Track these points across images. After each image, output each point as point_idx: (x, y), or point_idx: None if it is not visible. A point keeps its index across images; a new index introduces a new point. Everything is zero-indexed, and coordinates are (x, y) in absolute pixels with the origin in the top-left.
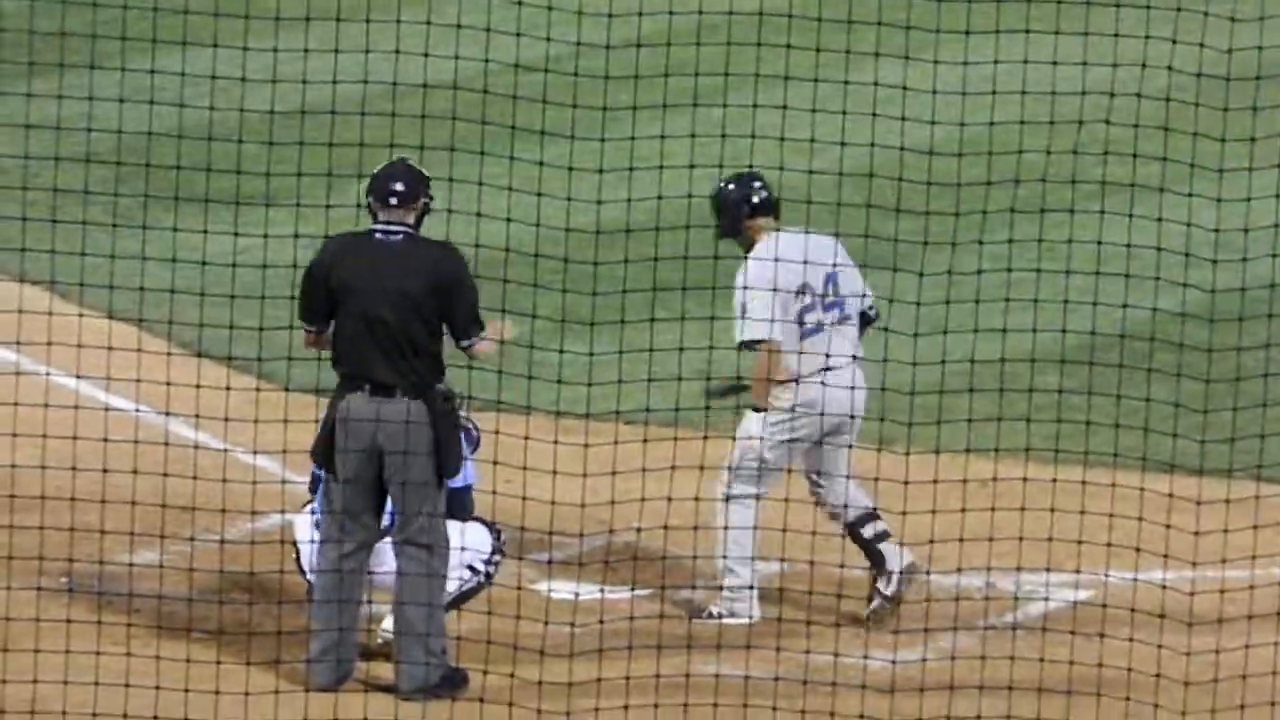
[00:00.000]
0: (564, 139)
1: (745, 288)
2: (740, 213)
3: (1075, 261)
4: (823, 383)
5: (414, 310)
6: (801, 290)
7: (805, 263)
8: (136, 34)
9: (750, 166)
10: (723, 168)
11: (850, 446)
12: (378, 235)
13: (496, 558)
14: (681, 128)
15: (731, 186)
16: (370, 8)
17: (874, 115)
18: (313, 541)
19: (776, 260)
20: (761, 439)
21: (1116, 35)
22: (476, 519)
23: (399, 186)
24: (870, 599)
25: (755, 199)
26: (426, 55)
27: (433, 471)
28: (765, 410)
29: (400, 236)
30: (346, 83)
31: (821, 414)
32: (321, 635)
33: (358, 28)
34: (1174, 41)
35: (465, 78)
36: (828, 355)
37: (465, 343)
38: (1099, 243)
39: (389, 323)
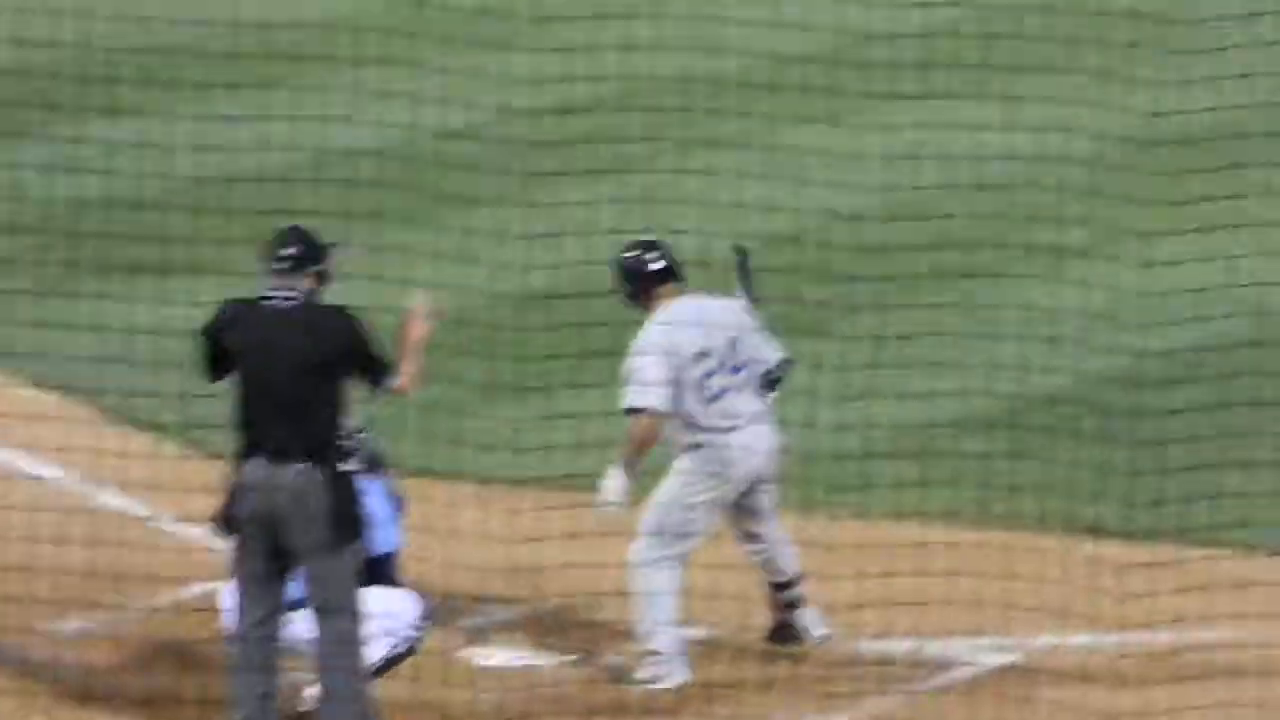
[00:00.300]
0: (490, 205)
1: (636, 354)
2: (638, 281)
3: (1001, 325)
4: (728, 444)
5: (308, 374)
6: (702, 354)
7: (705, 327)
8: (62, 102)
9: (674, 232)
10: (651, 232)
11: (770, 505)
12: (270, 301)
13: (423, 623)
14: (607, 193)
15: (629, 254)
16: (299, 74)
17: (801, 181)
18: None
19: (672, 324)
20: (675, 501)
21: (1043, 99)
22: (402, 585)
23: (287, 251)
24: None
25: (652, 267)
26: (351, 121)
27: (332, 536)
28: (629, 479)
29: (293, 303)
30: (273, 150)
31: (732, 467)
32: (240, 703)
33: (285, 94)
34: (1098, 106)
35: (391, 144)
36: (733, 417)
37: (384, 385)
38: (1025, 307)
39: (283, 388)
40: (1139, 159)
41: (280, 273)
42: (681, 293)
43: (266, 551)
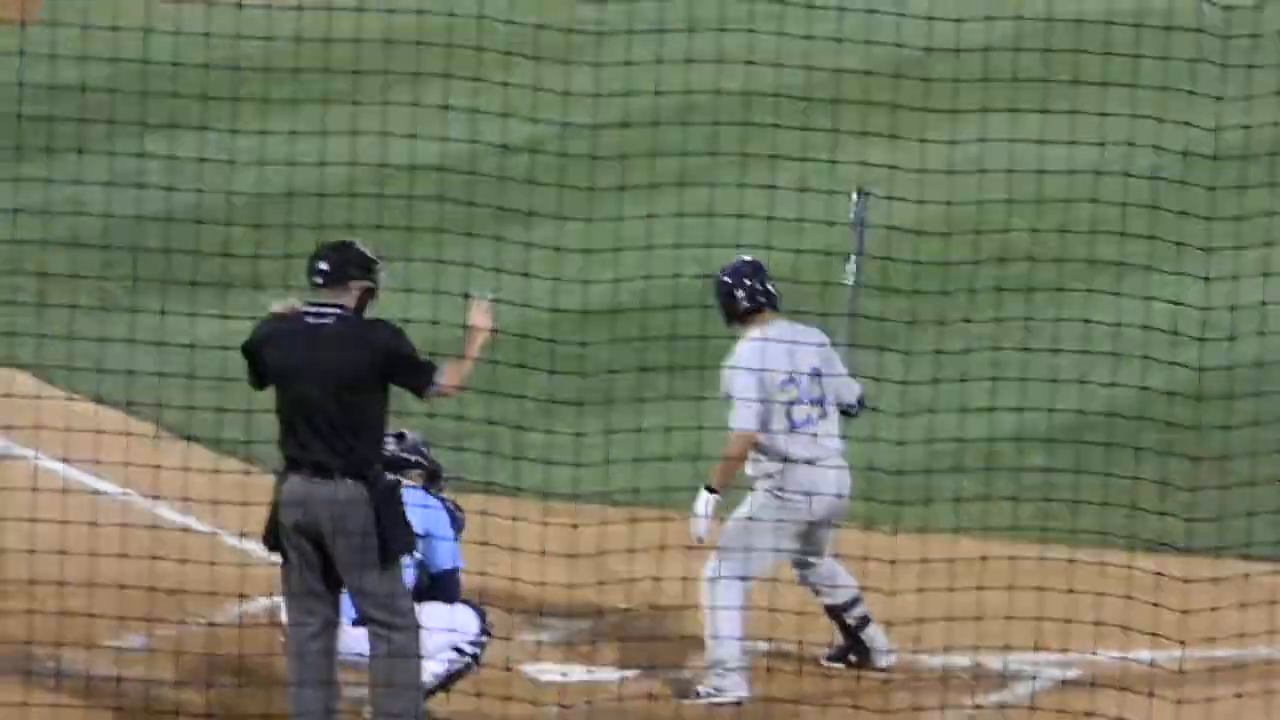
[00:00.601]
0: (551, 220)
1: (736, 373)
2: (737, 300)
3: (1062, 340)
4: (809, 475)
5: (349, 389)
6: (790, 380)
7: (793, 353)
8: (124, 118)
9: (738, 246)
10: (710, 247)
11: (836, 527)
12: (308, 318)
13: (483, 639)
14: (668, 208)
15: (731, 274)
16: (358, 90)
17: (860, 194)
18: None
19: (765, 345)
20: (751, 520)
21: (1103, 114)
22: (464, 601)
23: (323, 266)
24: (839, 655)
25: (749, 301)
26: (414, 137)
27: (375, 550)
28: (717, 493)
29: (331, 319)
30: (334, 164)
31: (810, 497)
32: (300, 718)
33: (345, 110)
34: (1160, 120)
35: (452, 159)
36: (815, 439)
37: (429, 391)
38: (1086, 321)
39: (322, 404)
40: (1201, 174)
41: (318, 287)
42: (775, 316)
43: (311, 566)
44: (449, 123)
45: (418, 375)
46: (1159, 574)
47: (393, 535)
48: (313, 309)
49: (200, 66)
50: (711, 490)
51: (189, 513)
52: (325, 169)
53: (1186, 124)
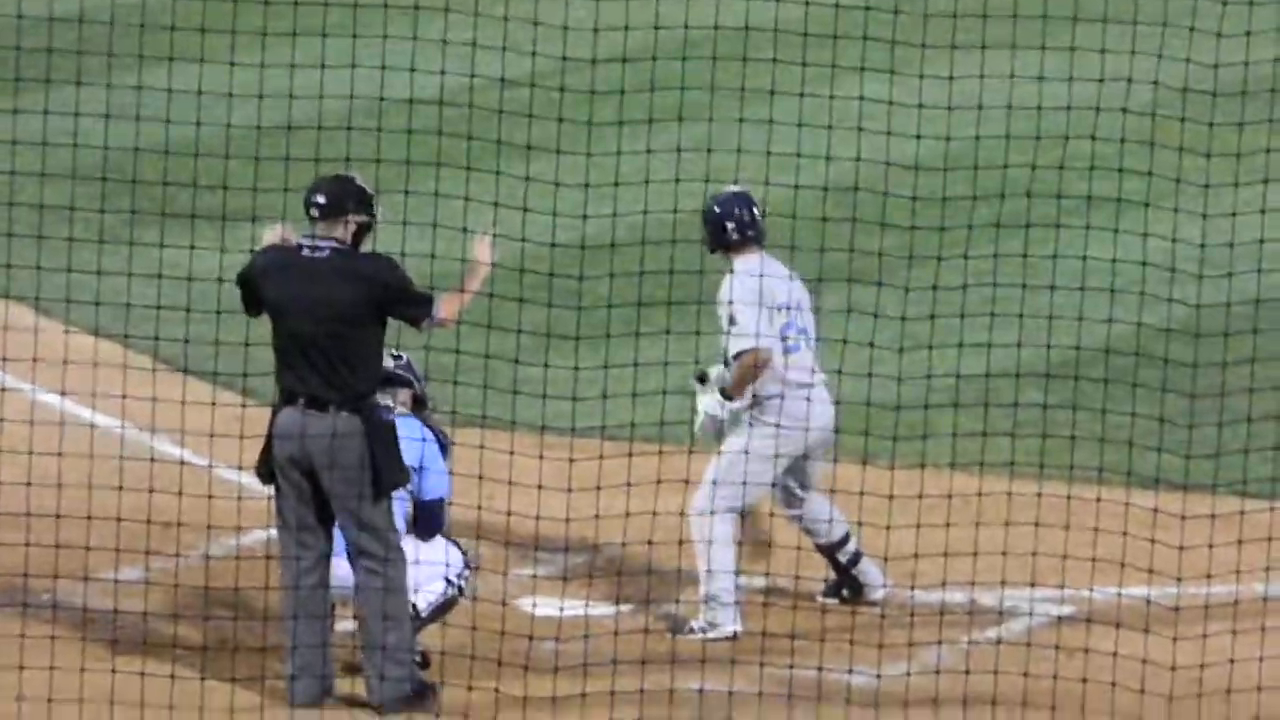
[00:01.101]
0: (549, 154)
1: (732, 301)
2: (727, 231)
3: (1060, 277)
4: (808, 398)
5: (344, 323)
6: (785, 307)
7: (786, 286)
8: (122, 50)
9: (735, 181)
10: (708, 182)
11: (818, 474)
12: (304, 251)
13: (467, 571)
14: (666, 143)
15: (722, 204)
16: (355, 23)
17: (859, 130)
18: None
19: (762, 276)
20: (746, 453)
21: (1102, 51)
22: (447, 532)
23: (319, 199)
24: (833, 590)
25: (738, 233)
26: (412, 70)
27: (369, 484)
28: (734, 400)
29: (327, 253)
30: (332, 98)
31: (807, 429)
32: (295, 652)
33: (343, 43)
34: (1160, 57)
35: (450, 93)
36: (808, 375)
37: (425, 324)
38: (1083, 258)
39: (317, 337)
40: (1199, 110)
41: (314, 220)
42: (761, 247)
43: (305, 499)
44: (448, 57)
45: (414, 307)
46: (1155, 510)
47: (386, 468)
48: (308, 241)
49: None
50: (728, 398)
51: (186, 445)
52: (322, 103)
53: (1186, 60)
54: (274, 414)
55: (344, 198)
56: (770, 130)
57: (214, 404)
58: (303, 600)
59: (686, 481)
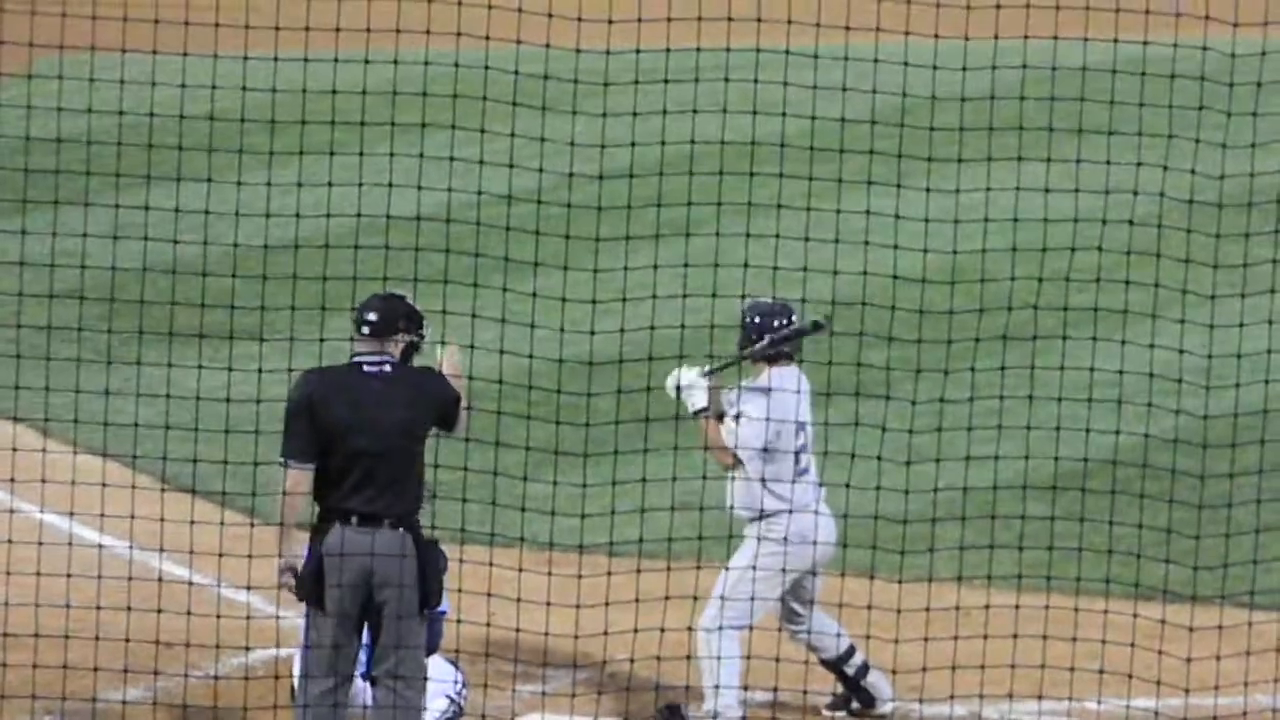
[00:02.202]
0: (555, 269)
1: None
2: (765, 341)
3: (1065, 388)
4: (811, 520)
5: (410, 439)
6: (801, 426)
7: (800, 402)
8: (129, 170)
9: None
10: (715, 297)
11: (818, 591)
12: (365, 368)
13: (465, 689)
14: (671, 258)
15: (764, 314)
16: (363, 141)
17: (837, 243)
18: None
19: (783, 394)
20: (754, 568)
21: (1108, 162)
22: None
23: (371, 317)
24: (840, 703)
25: (773, 348)
26: (390, 186)
27: (417, 603)
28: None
29: (389, 368)
30: (339, 216)
31: (814, 543)
32: None
33: (350, 161)
34: (1165, 168)
35: (457, 209)
36: (814, 494)
37: (458, 429)
38: (1090, 369)
39: (380, 455)
40: (1202, 221)
41: (364, 337)
42: (792, 362)
43: (347, 619)
44: (454, 173)
45: (458, 419)
46: (1163, 622)
47: (432, 586)
48: (365, 359)
49: (203, 118)
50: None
51: (194, 566)
52: (328, 221)
53: (1191, 171)
54: (320, 533)
55: (395, 316)
56: (776, 244)
57: (222, 523)
58: (319, 718)
59: (694, 598)
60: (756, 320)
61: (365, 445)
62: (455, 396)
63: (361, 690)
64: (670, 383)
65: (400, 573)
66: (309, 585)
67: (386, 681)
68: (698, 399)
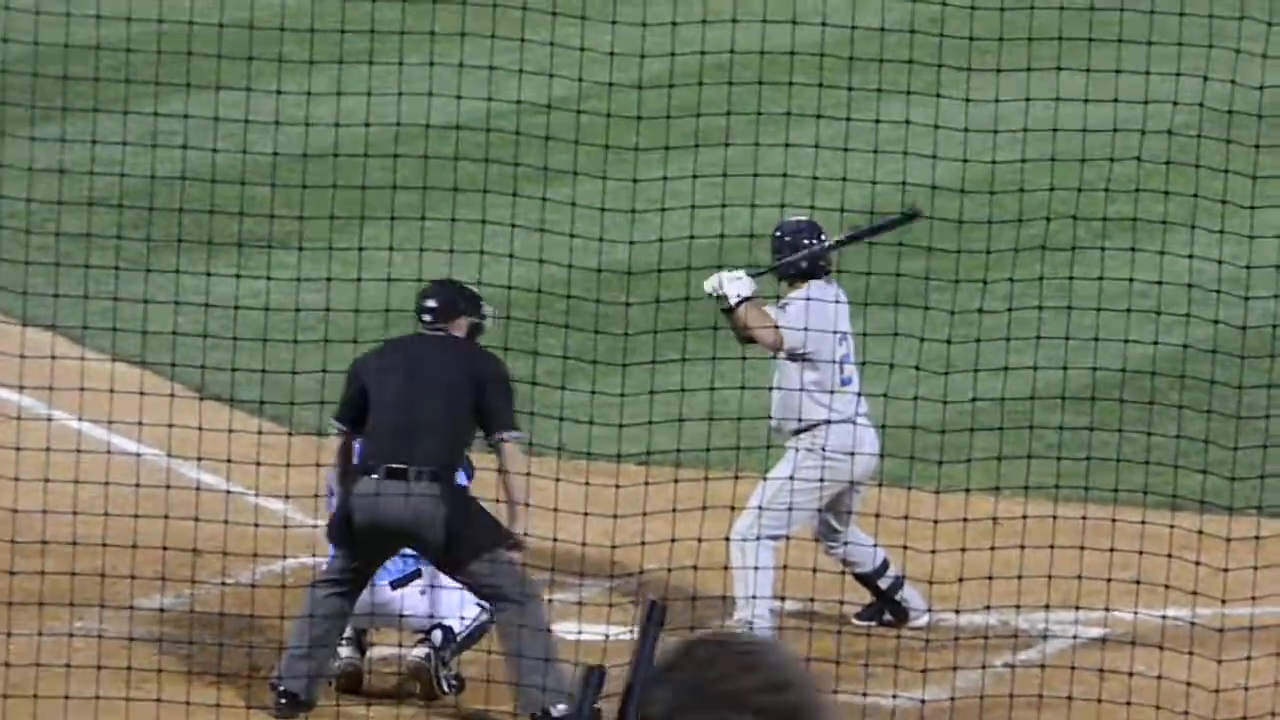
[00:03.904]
0: (595, 179)
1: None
2: (795, 264)
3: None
4: (854, 431)
5: (447, 396)
6: (844, 336)
7: (840, 311)
8: (140, 78)
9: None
10: (725, 206)
11: (857, 506)
12: (423, 333)
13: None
14: (684, 168)
15: (795, 232)
16: (374, 50)
17: (875, 153)
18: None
19: (822, 304)
20: (793, 479)
21: (1147, 73)
22: None
23: (431, 304)
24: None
25: (808, 263)
26: (430, 95)
27: (472, 550)
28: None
29: (441, 334)
30: (350, 125)
31: (854, 454)
32: (294, 649)
33: (361, 70)
34: (1204, 78)
35: (496, 118)
36: (858, 405)
37: (496, 435)
38: (1129, 280)
39: (421, 405)
40: (1241, 133)
41: (424, 324)
42: (828, 277)
43: (370, 564)
44: (465, 82)
45: (501, 412)
46: (1200, 532)
47: (473, 533)
48: (428, 332)
49: (219, 26)
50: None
51: (204, 471)
52: (341, 129)
53: (1231, 81)
54: (355, 478)
55: (455, 300)
56: (787, 153)
57: (230, 430)
58: (319, 601)
59: (732, 508)
60: (787, 239)
61: (403, 393)
62: (501, 378)
63: (397, 599)
64: (710, 285)
65: (432, 525)
66: (337, 529)
67: (499, 605)
68: (743, 287)
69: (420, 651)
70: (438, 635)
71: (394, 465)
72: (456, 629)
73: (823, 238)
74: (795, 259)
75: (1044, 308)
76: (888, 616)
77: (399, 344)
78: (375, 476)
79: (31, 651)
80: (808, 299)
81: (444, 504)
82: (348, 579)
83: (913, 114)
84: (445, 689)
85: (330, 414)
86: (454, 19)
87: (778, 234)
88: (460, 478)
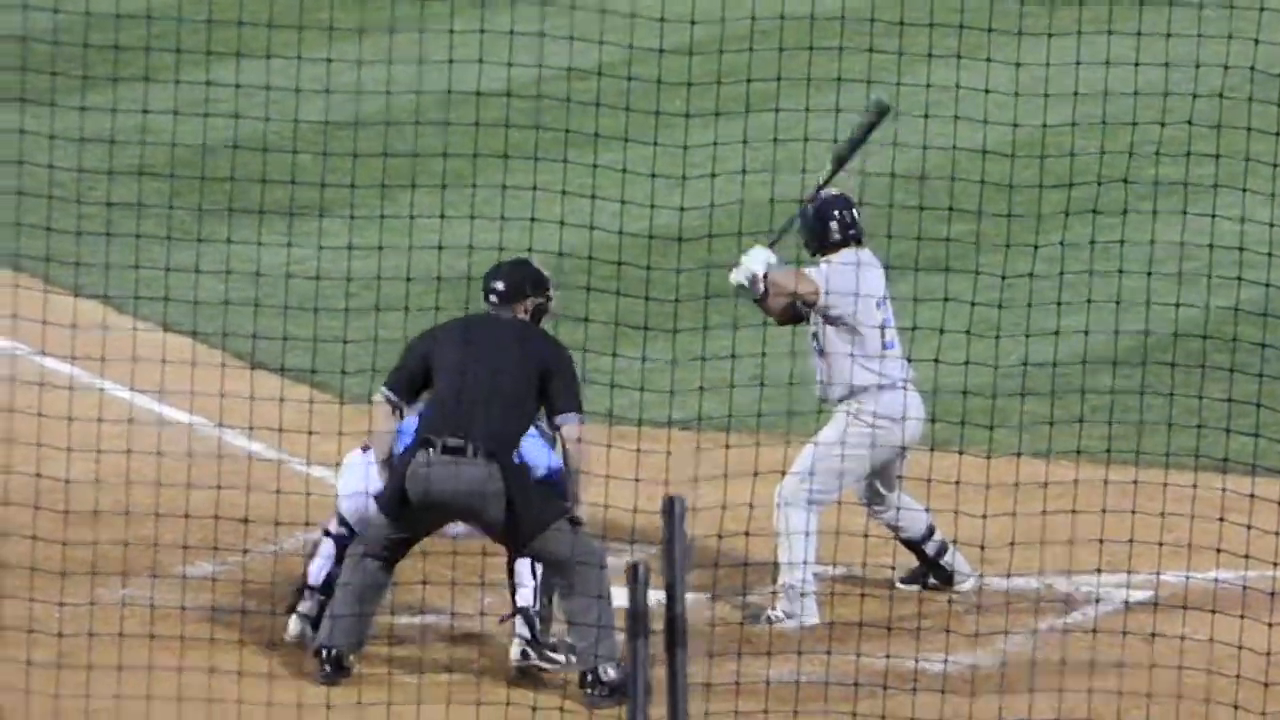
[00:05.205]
0: (617, 142)
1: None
2: (827, 234)
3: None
4: (900, 397)
5: (513, 373)
6: (885, 300)
7: (880, 276)
8: (190, 46)
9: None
10: (774, 173)
11: (903, 471)
12: (490, 312)
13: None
14: (734, 134)
15: (828, 205)
16: (423, 17)
17: (926, 117)
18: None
19: (859, 268)
20: (841, 444)
21: (1198, 35)
22: None
23: (498, 285)
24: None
25: (840, 233)
26: (480, 61)
27: (535, 527)
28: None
29: (508, 315)
30: (400, 93)
31: (904, 419)
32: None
33: (410, 37)
34: (1256, 41)
35: (519, 85)
36: (904, 370)
37: (559, 419)
38: (1180, 243)
39: (484, 382)
40: (1269, 91)
41: (491, 305)
42: (860, 246)
43: (418, 537)
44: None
45: (564, 396)
46: (1252, 496)
47: (532, 511)
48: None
49: None
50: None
51: (254, 440)
52: (391, 97)
53: (1255, 41)
54: (413, 452)
55: (522, 281)
56: (837, 119)
57: (281, 399)
58: (366, 571)
59: (782, 473)
60: (818, 213)
61: (466, 369)
62: (565, 365)
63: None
64: (734, 277)
65: (491, 502)
66: (389, 502)
67: (562, 574)
68: (759, 260)
69: (515, 653)
70: (523, 628)
71: (451, 441)
72: (531, 604)
73: (853, 209)
74: (787, 227)
75: (1094, 271)
76: (932, 580)
77: (466, 322)
78: (432, 450)
79: (85, 621)
80: (843, 264)
81: (502, 481)
82: (394, 549)
83: (963, 78)
84: (557, 661)
85: (380, 381)
86: None
87: (808, 210)
88: (520, 455)
